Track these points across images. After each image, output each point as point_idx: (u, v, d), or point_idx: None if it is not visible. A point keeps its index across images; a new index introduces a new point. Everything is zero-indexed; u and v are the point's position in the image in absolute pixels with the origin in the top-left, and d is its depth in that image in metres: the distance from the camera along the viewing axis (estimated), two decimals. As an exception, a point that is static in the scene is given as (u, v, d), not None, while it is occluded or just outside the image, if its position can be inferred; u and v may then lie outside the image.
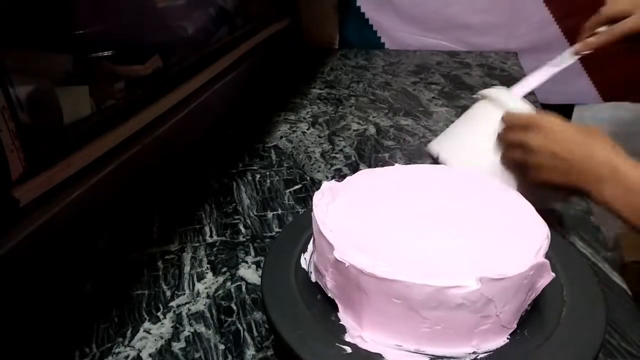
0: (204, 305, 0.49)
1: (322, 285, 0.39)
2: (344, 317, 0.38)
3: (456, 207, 0.43)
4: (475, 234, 0.39)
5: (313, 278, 0.42)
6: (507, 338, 0.36)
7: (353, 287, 0.36)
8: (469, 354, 0.35)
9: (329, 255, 0.37)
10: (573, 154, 0.46)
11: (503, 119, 0.53)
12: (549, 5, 1.24)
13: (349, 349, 0.35)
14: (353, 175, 0.47)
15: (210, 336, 0.45)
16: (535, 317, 0.38)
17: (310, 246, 0.45)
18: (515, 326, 0.36)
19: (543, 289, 0.37)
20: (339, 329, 0.37)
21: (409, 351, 0.35)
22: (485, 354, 0.35)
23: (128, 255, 0.56)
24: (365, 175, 0.48)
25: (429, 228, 0.40)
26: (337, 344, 0.35)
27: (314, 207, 0.40)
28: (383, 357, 0.35)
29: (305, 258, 0.44)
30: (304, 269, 0.43)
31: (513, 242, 0.38)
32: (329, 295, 0.38)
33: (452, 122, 0.71)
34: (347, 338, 0.36)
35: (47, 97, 0.53)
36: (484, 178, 0.48)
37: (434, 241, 0.38)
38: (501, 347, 0.36)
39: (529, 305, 0.37)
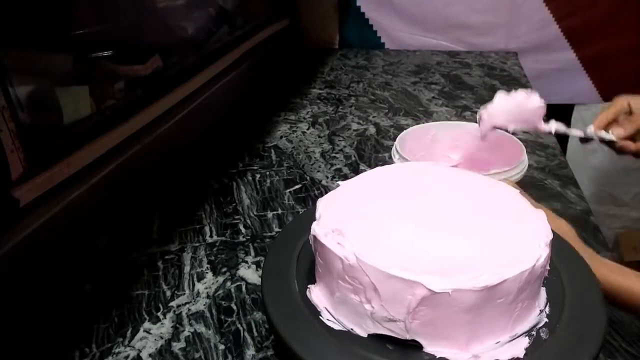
0: (204, 305, 0.49)
1: (392, 334, 0.35)
2: (437, 349, 0.35)
3: (454, 203, 0.42)
4: (492, 223, 0.40)
5: (362, 333, 0.36)
6: (543, 286, 0.39)
7: (451, 313, 0.34)
8: (538, 315, 0.37)
9: (411, 296, 0.33)
10: None
11: None
12: (549, 5, 1.24)
13: None
14: (320, 207, 0.41)
15: (210, 336, 0.45)
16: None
17: (321, 305, 0.39)
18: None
19: (544, 288, 0.39)
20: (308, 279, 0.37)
21: (507, 342, 0.36)
22: (547, 307, 0.38)
23: (128, 255, 0.56)
24: (338, 202, 0.42)
25: (451, 227, 0.39)
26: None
27: (352, 256, 0.35)
28: None
29: (327, 319, 0.38)
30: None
31: (526, 218, 0.40)
32: (407, 337, 0.35)
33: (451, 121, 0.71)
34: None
35: (47, 97, 0.53)
36: (460, 172, 0.48)
37: (469, 237, 0.38)
38: (547, 296, 0.39)
39: None
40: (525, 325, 0.36)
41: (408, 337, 0.35)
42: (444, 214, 0.41)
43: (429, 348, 0.35)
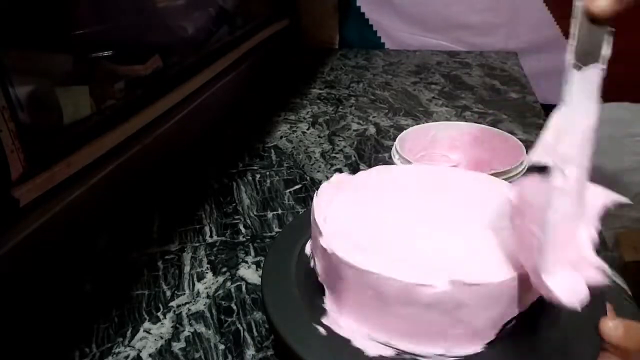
0: (204, 305, 0.49)
1: (315, 270, 0.41)
2: (328, 301, 0.39)
3: (457, 208, 0.43)
4: (472, 236, 0.39)
5: (312, 264, 0.42)
6: (483, 347, 0.35)
7: (335, 274, 0.37)
8: (437, 355, 0.34)
9: (318, 242, 0.38)
10: None
11: None
12: (549, 5, 1.24)
13: (323, 332, 0.37)
14: (363, 172, 0.48)
15: (210, 336, 0.45)
16: (526, 325, 0.36)
17: (309, 253, 0.45)
18: (494, 336, 0.35)
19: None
20: (321, 311, 0.38)
21: (379, 342, 0.36)
22: (453, 358, 0.34)
23: (128, 255, 0.56)
24: (373, 173, 0.49)
25: (427, 228, 0.40)
26: (313, 324, 0.37)
27: (317, 194, 0.42)
28: (351, 343, 0.35)
29: (309, 244, 0.45)
30: (304, 268, 0.43)
31: (510, 248, 0.36)
32: (320, 280, 0.40)
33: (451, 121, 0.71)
34: (325, 321, 0.38)
35: (47, 97, 0.53)
36: (490, 179, 0.48)
37: (426, 240, 0.38)
38: (472, 354, 0.34)
39: (514, 318, 0.35)
40: (405, 346, 0.35)
41: (320, 279, 0.39)
42: (434, 213, 0.41)
43: (327, 296, 0.39)
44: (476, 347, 0.35)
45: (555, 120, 0.32)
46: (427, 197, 0.44)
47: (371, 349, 0.35)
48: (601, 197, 0.35)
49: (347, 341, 0.36)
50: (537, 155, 0.32)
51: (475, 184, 0.47)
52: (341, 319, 0.37)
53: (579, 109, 0.31)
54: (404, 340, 0.35)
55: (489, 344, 0.35)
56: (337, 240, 0.37)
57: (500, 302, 0.34)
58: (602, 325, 0.35)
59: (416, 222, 0.41)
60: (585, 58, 0.29)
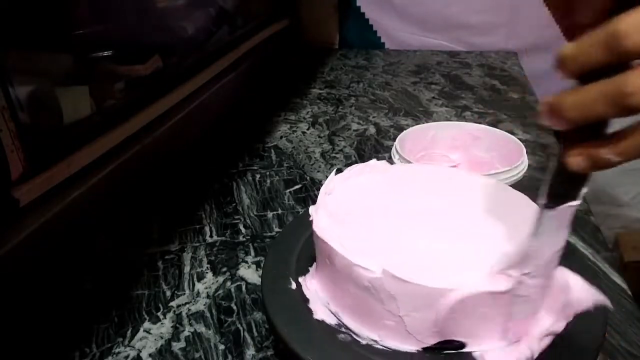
0: (204, 305, 0.49)
1: None
2: (313, 265, 0.42)
3: (452, 207, 0.42)
4: (458, 237, 0.38)
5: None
6: (418, 350, 0.35)
7: (314, 240, 0.40)
8: (371, 339, 0.36)
9: (323, 246, 0.40)
10: None
11: None
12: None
13: (294, 286, 0.41)
14: (400, 165, 0.52)
15: (210, 336, 0.45)
16: None
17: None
18: (431, 343, 0.34)
19: None
20: (304, 271, 0.42)
21: (330, 311, 0.38)
22: (383, 347, 0.35)
23: (128, 255, 0.56)
24: (409, 167, 0.53)
25: (415, 223, 0.40)
26: (290, 278, 0.41)
27: (331, 176, 0.45)
28: (308, 304, 0.39)
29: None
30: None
31: (480, 256, 0.35)
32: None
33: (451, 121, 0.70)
34: (300, 279, 0.41)
35: (47, 97, 0.53)
36: (489, 179, 0.48)
37: (405, 233, 0.39)
38: (401, 351, 0.35)
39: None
40: (348, 322, 0.37)
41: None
42: (429, 211, 0.41)
43: (309, 280, 0.41)
44: (409, 347, 0.35)
45: (523, 247, 0.32)
46: (425, 196, 0.44)
47: (319, 313, 0.38)
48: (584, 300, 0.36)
49: (305, 300, 0.39)
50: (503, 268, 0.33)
51: (474, 184, 0.47)
52: (310, 281, 0.41)
53: (548, 240, 0.31)
54: (347, 316, 0.37)
55: (426, 349, 0.35)
56: (322, 211, 0.40)
57: (435, 309, 0.33)
58: None
59: (406, 217, 0.41)
60: (559, 199, 0.29)
